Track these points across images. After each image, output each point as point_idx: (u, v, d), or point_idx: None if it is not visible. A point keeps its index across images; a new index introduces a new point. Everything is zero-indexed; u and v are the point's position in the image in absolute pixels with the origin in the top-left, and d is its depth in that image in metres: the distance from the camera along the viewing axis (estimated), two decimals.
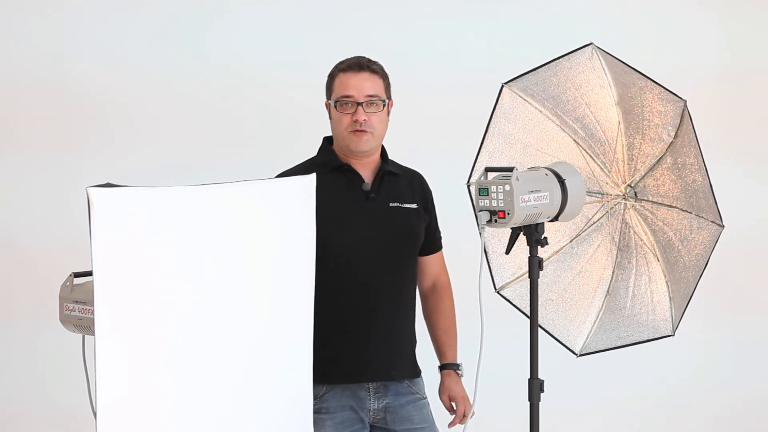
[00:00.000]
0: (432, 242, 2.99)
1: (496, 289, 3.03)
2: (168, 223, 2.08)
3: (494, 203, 2.50)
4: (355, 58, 2.83)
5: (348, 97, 2.77)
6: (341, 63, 2.84)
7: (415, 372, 2.92)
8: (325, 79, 2.88)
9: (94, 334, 2.01)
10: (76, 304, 2.29)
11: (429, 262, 3.00)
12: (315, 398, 2.70)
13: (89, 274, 2.09)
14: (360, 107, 2.76)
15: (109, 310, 1.99)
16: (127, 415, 2.04)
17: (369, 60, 2.83)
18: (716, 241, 2.89)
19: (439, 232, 3.02)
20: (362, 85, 2.77)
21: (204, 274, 2.14)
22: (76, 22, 4.34)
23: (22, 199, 4.33)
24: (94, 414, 2.01)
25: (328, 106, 2.86)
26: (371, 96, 2.78)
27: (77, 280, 2.32)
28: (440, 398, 2.99)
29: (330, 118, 2.85)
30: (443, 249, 3.06)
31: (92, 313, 2.08)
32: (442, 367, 3.02)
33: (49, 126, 4.35)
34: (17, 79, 4.32)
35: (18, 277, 4.33)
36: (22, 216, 4.32)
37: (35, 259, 4.31)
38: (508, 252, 2.69)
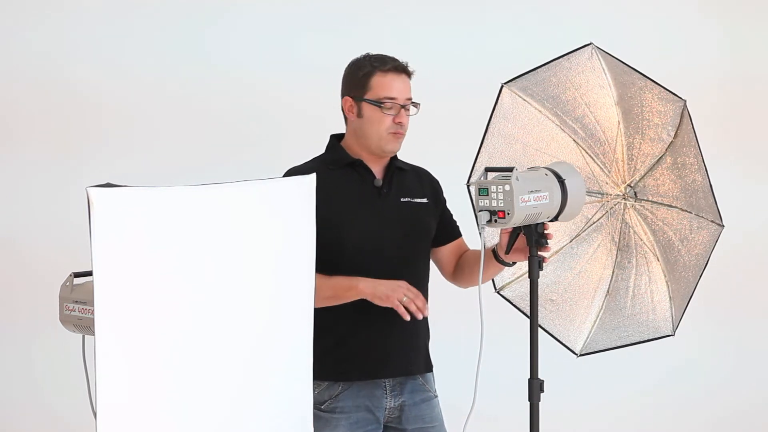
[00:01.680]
0: (451, 231, 2.98)
1: (496, 289, 3.03)
2: (168, 223, 2.08)
3: (494, 203, 2.50)
4: (390, 58, 2.80)
5: (392, 99, 2.77)
6: (376, 61, 2.79)
7: (428, 366, 2.92)
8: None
9: (94, 334, 2.01)
10: (76, 304, 2.29)
11: (451, 249, 2.97)
12: (330, 398, 2.74)
13: (89, 274, 2.08)
14: (402, 110, 2.78)
15: (109, 310, 1.99)
16: (127, 415, 2.04)
17: (404, 62, 2.82)
18: (716, 241, 2.89)
19: (455, 220, 3.01)
20: (404, 87, 2.79)
21: (204, 274, 2.14)
22: (75, 24, 4.34)
23: (22, 199, 4.33)
24: (94, 414, 2.01)
25: (348, 101, 2.80)
26: (409, 99, 2.80)
27: (77, 280, 2.31)
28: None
29: (359, 115, 2.79)
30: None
31: (92, 313, 2.07)
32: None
33: (49, 127, 4.35)
34: (18, 80, 4.32)
35: (18, 277, 4.33)
36: (22, 216, 4.32)
37: (35, 259, 4.31)
38: (507, 252, 2.69)
